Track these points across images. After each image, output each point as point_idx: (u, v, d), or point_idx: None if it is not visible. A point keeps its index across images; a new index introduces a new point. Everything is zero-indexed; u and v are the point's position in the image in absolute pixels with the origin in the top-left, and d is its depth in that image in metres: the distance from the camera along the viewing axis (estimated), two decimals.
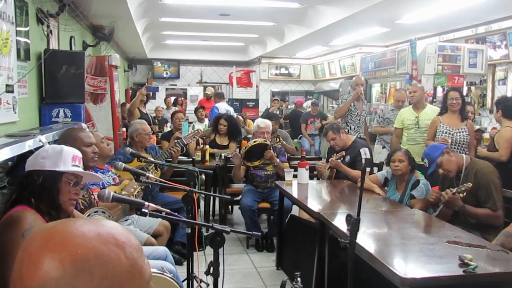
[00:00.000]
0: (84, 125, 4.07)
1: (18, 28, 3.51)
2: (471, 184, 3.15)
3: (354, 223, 2.01)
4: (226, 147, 5.96)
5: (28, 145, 2.70)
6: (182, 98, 12.50)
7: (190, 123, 7.49)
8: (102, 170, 3.31)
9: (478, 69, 6.66)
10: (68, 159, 1.89)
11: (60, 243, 0.69)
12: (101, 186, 3.07)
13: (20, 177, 1.95)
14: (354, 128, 5.98)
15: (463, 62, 6.53)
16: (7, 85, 3.15)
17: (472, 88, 7.41)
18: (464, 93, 6.79)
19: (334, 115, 6.93)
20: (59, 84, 4.19)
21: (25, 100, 3.72)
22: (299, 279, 1.65)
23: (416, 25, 7.15)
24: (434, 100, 6.50)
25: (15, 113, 3.37)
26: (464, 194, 3.17)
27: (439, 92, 6.79)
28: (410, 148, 4.67)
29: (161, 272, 2.30)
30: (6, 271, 1.58)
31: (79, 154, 1.99)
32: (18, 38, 3.51)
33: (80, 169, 1.95)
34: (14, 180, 2.72)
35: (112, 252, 0.70)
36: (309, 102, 10.54)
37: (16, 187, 1.93)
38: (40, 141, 2.93)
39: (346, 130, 5.57)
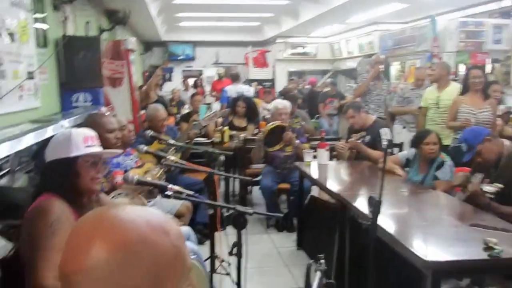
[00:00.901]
0: (104, 109, 4.11)
1: (35, 15, 3.52)
2: (502, 186, 2.89)
3: (375, 205, 2.01)
4: (244, 129, 5.96)
5: (51, 130, 2.74)
6: (201, 78, 12.49)
7: (207, 105, 7.50)
8: (124, 153, 3.34)
9: (503, 45, 6.46)
10: (80, 142, 1.88)
11: (111, 228, 0.71)
12: (125, 169, 3.11)
13: (42, 168, 1.97)
14: (374, 108, 5.91)
15: (487, 38, 6.34)
16: (28, 72, 3.19)
17: (497, 65, 7.22)
18: (488, 71, 6.62)
19: (353, 94, 6.85)
20: (77, 70, 4.21)
21: (46, 86, 3.75)
22: (322, 261, 1.66)
23: (436, 0, 6.95)
24: (456, 78, 6.37)
25: (37, 99, 3.41)
26: (492, 196, 2.90)
27: (461, 70, 6.64)
28: (430, 128, 4.60)
29: None
30: (35, 259, 1.63)
31: (90, 133, 1.97)
32: (36, 25, 3.54)
33: (95, 149, 1.93)
34: (40, 163, 2.77)
35: (160, 239, 0.72)
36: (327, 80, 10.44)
37: (39, 179, 1.97)
38: (62, 126, 2.97)
39: (366, 109, 5.51)
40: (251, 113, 6.10)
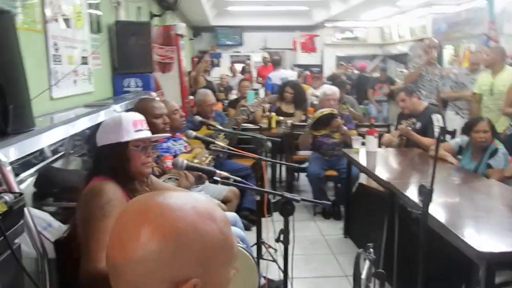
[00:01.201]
0: (154, 94, 4.19)
1: (89, 1, 3.62)
2: None
3: (427, 194, 1.94)
4: (292, 115, 5.93)
5: (104, 114, 2.82)
6: (249, 64, 12.45)
7: (255, 90, 7.48)
8: (174, 138, 3.39)
9: None
10: (130, 127, 1.88)
11: (159, 216, 0.70)
12: (174, 154, 3.16)
13: (94, 152, 2.02)
14: (426, 94, 5.72)
15: None
16: (82, 57, 3.29)
17: None
18: None
19: (404, 80, 6.64)
20: (129, 55, 4.31)
21: (99, 71, 3.87)
22: (371, 250, 1.63)
23: None
24: None
25: (91, 83, 3.52)
26: None
27: None
28: (484, 115, 4.41)
29: None
30: (87, 241, 1.67)
31: (139, 117, 1.97)
32: (90, 11, 3.63)
33: (144, 133, 1.94)
34: (93, 147, 2.87)
35: (209, 226, 0.71)
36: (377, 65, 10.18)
37: (92, 162, 2.02)
38: (114, 110, 3.06)
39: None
40: (299, 99, 6.05)
